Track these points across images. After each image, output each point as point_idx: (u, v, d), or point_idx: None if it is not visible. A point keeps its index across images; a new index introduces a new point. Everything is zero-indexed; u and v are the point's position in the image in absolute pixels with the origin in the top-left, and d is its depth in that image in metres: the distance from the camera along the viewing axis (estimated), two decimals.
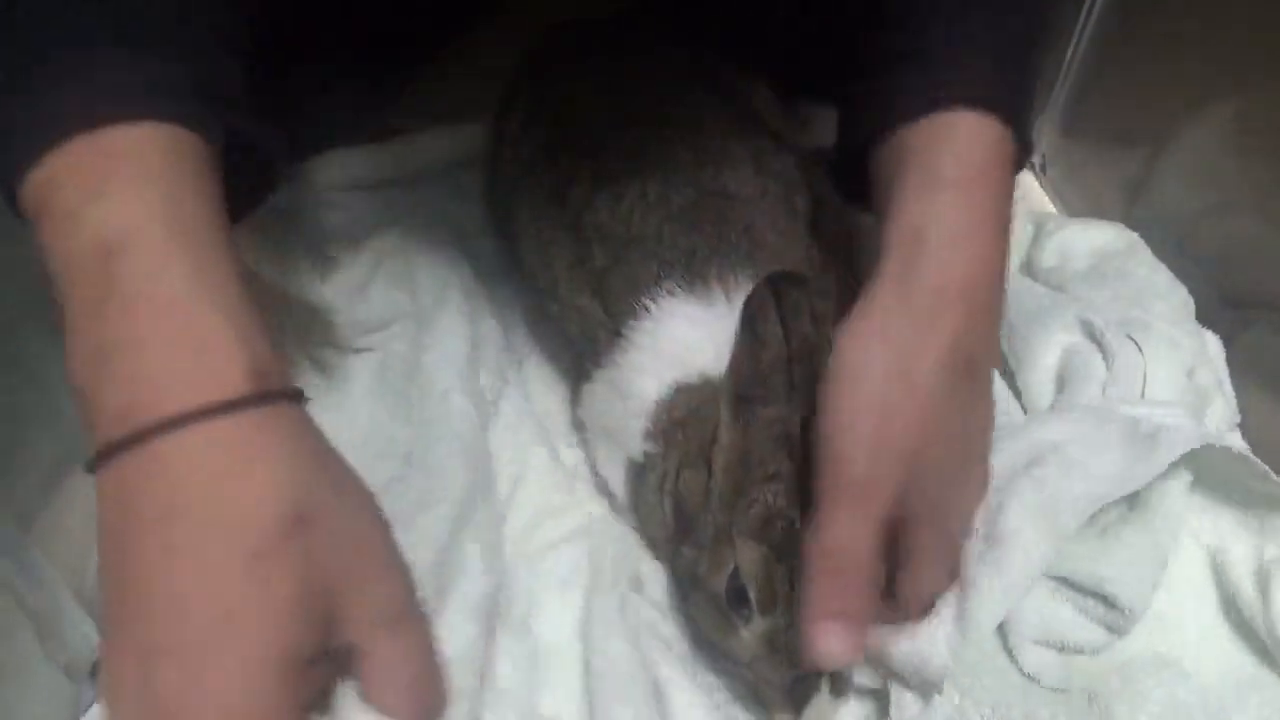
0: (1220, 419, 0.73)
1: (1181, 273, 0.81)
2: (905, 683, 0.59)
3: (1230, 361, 0.77)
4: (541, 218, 0.73)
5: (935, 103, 0.54)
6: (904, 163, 0.55)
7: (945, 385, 0.51)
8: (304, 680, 0.40)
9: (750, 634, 0.56)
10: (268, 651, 0.38)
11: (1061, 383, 0.73)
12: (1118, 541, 0.59)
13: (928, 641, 0.56)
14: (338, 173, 0.89)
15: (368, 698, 0.42)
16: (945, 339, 0.51)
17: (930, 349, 0.51)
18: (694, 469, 0.60)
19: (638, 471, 0.65)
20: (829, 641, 0.50)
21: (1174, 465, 0.59)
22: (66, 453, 0.69)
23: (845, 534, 0.50)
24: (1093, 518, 0.60)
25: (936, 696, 0.58)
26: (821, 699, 0.55)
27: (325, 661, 0.41)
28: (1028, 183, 1.06)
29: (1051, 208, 1.03)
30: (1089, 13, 0.95)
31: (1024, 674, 0.60)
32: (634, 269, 0.66)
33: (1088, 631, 0.60)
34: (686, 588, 0.61)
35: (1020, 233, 0.88)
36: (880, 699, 0.61)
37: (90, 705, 0.61)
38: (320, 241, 0.84)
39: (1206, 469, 0.62)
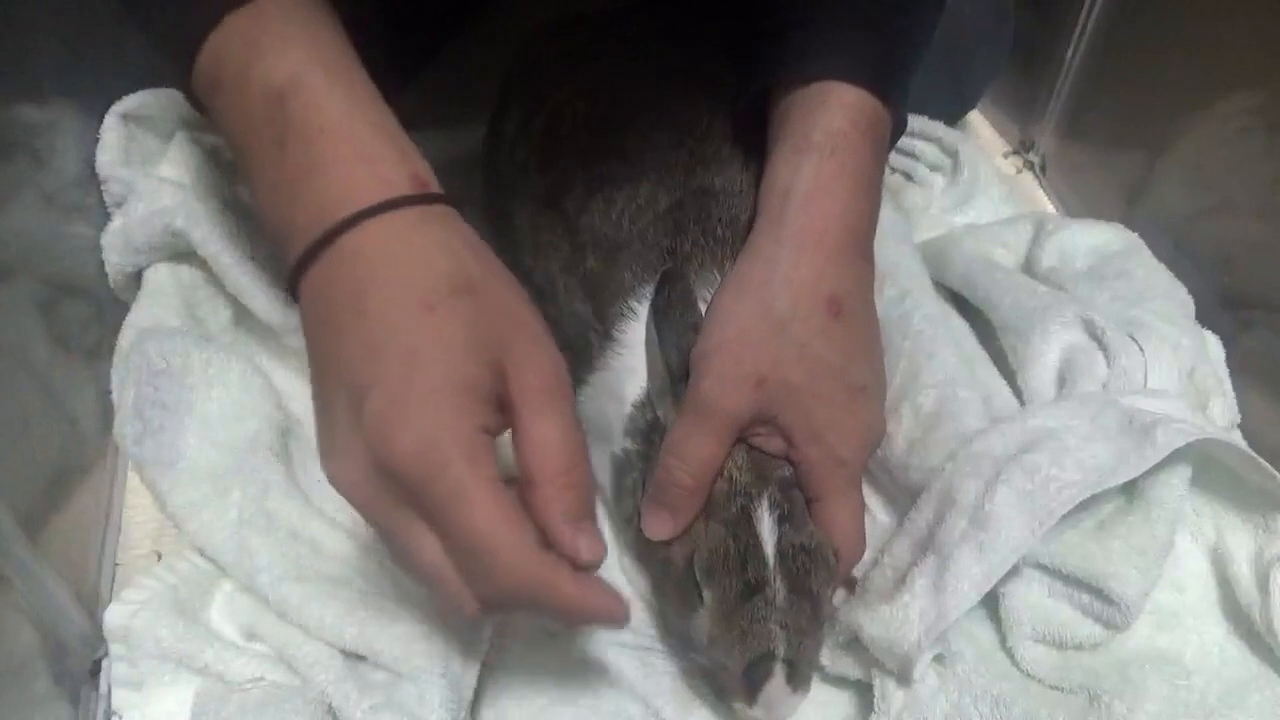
0: (1220, 418, 0.73)
1: (1181, 273, 0.81)
2: (883, 665, 0.59)
3: (1230, 361, 0.78)
4: (538, 222, 0.73)
5: (811, 74, 0.61)
6: (781, 127, 0.62)
7: (806, 321, 0.58)
8: (483, 411, 0.47)
9: (704, 612, 0.57)
10: (447, 381, 0.46)
11: (1062, 381, 0.73)
12: (1115, 536, 0.59)
13: (901, 617, 0.57)
14: None
15: (520, 458, 0.49)
16: (805, 280, 0.59)
17: (789, 289, 0.58)
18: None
19: (618, 467, 0.66)
20: (653, 522, 0.58)
21: (1173, 459, 0.58)
22: (68, 454, 0.69)
23: (686, 443, 0.58)
24: (1091, 512, 0.60)
25: (935, 694, 0.58)
26: (776, 684, 0.55)
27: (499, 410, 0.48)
28: (1028, 184, 1.07)
29: (1051, 208, 1.03)
30: (1089, 13, 0.95)
31: (1022, 671, 0.60)
32: (622, 272, 0.66)
33: (1085, 628, 0.60)
34: (657, 576, 0.63)
35: (1020, 233, 0.88)
36: (866, 694, 0.61)
37: (90, 705, 0.61)
38: None
39: (1207, 466, 0.62)
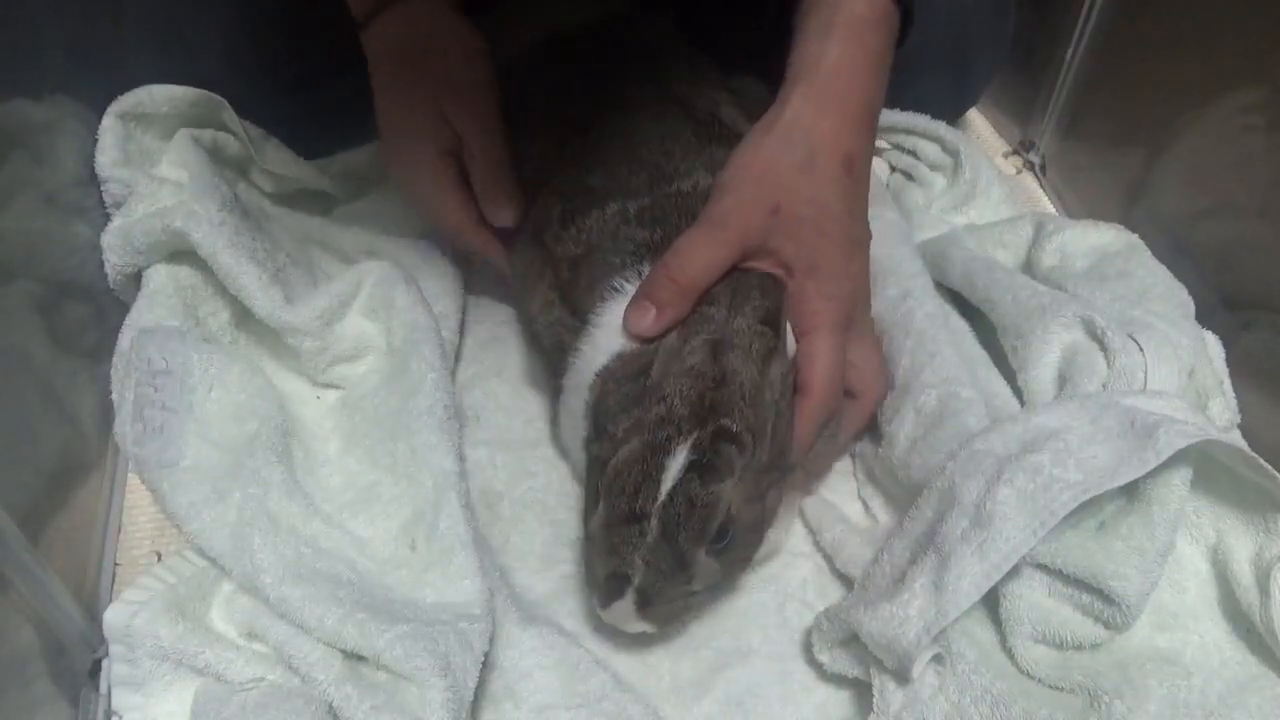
0: (1220, 418, 0.73)
1: (1181, 273, 0.81)
2: (881, 663, 0.59)
3: (1230, 362, 0.77)
4: (524, 258, 0.77)
5: None
6: (808, 12, 0.68)
7: (823, 169, 0.66)
8: (451, 162, 0.75)
9: (596, 514, 0.60)
10: (425, 141, 0.75)
11: (1063, 381, 0.73)
12: (1116, 537, 0.59)
13: (900, 615, 0.57)
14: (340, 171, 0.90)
15: (473, 181, 0.75)
16: (826, 134, 0.66)
17: (811, 138, 0.66)
18: (632, 381, 0.63)
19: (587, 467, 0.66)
20: (638, 315, 0.63)
21: (1175, 460, 0.58)
22: (68, 454, 0.69)
23: (691, 246, 0.64)
24: (1092, 512, 0.60)
25: (935, 694, 0.58)
26: (625, 603, 0.59)
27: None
28: (1028, 184, 1.07)
29: (1051, 208, 1.03)
30: (1089, 14, 0.95)
31: (1022, 671, 0.60)
32: (595, 270, 0.70)
33: (1086, 628, 0.60)
34: (584, 468, 0.66)
35: (1020, 233, 0.88)
36: (865, 693, 0.61)
37: (90, 705, 0.61)
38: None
39: (1208, 466, 0.62)
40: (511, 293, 0.85)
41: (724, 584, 0.64)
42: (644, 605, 0.59)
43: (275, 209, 0.86)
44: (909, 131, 0.98)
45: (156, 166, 0.78)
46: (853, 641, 0.63)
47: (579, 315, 0.69)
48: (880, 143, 0.99)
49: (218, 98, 0.78)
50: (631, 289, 0.66)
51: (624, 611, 0.60)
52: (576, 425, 0.69)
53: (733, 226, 0.64)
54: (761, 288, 0.64)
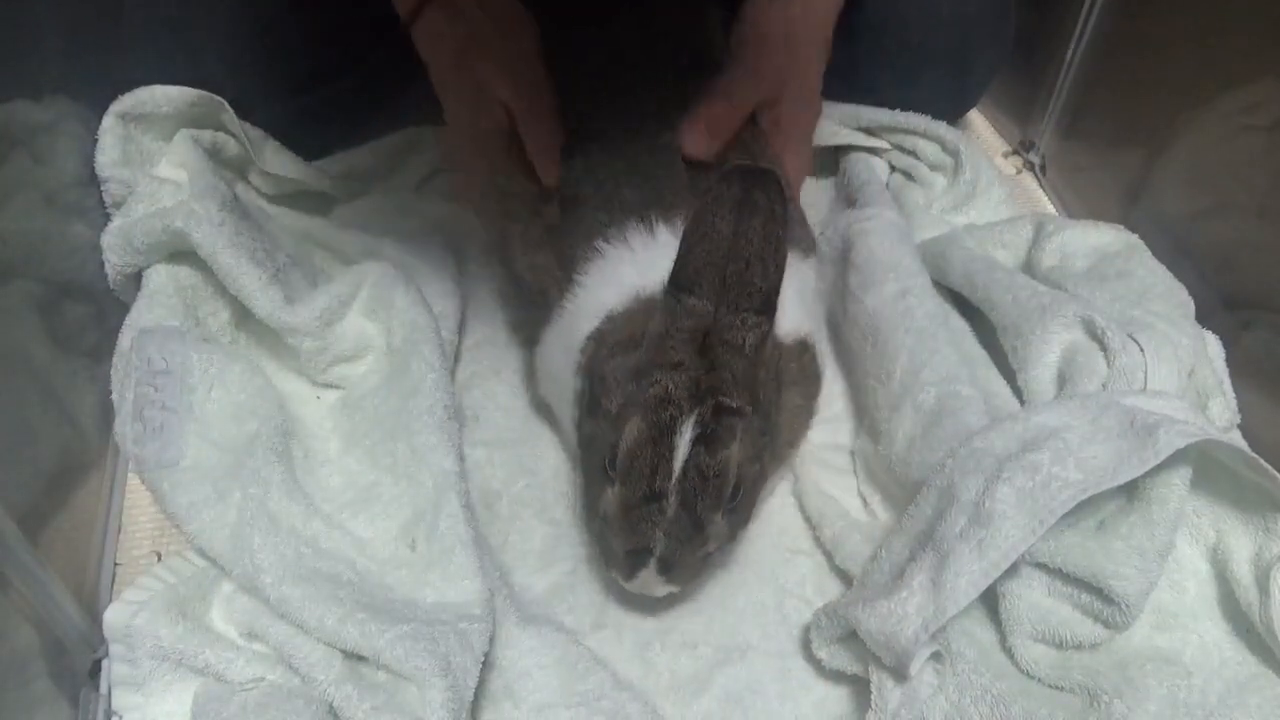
0: (1220, 418, 0.73)
1: (1181, 273, 0.81)
2: (880, 660, 0.60)
3: (1230, 362, 0.77)
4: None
5: None
6: None
7: (810, 45, 0.82)
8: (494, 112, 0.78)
9: (611, 495, 0.63)
10: (465, 94, 0.79)
11: (1063, 381, 0.73)
12: (1116, 536, 0.59)
13: (899, 612, 0.58)
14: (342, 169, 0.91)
15: (527, 148, 0.77)
16: (812, 21, 0.82)
17: (803, 21, 0.81)
18: (624, 354, 0.65)
19: (576, 422, 0.70)
20: (693, 134, 0.75)
21: (1174, 460, 0.58)
22: (68, 454, 0.69)
23: (736, 86, 0.78)
24: (1092, 512, 0.60)
25: (934, 693, 0.58)
26: (648, 572, 0.62)
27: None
28: (1028, 184, 1.07)
29: (1051, 208, 1.03)
30: (1089, 15, 0.95)
31: (1022, 670, 0.60)
32: (587, 221, 0.73)
33: (1086, 627, 0.60)
34: (582, 449, 0.68)
35: (1020, 233, 0.88)
36: (863, 692, 0.62)
37: (90, 705, 0.62)
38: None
39: (1208, 467, 0.62)
40: (490, 228, 0.89)
41: (733, 540, 0.66)
42: (666, 571, 0.63)
43: (275, 209, 0.86)
44: (909, 131, 0.98)
45: (156, 167, 0.78)
46: (851, 638, 0.63)
47: (564, 268, 0.72)
48: (880, 143, 0.99)
49: (217, 98, 0.78)
50: (614, 251, 0.70)
51: (648, 579, 0.63)
52: (564, 383, 0.71)
53: (761, 80, 0.79)
54: (763, 263, 0.62)
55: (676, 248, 0.63)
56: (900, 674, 0.59)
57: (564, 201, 0.76)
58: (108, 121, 0.75)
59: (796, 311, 0.71)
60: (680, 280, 0.62)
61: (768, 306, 0.63)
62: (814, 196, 1.01)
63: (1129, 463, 0.57)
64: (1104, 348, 0.71)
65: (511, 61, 0.78)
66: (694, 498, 0.60)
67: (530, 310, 0.78)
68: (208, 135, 0.80)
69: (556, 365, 0.72)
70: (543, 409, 0.80)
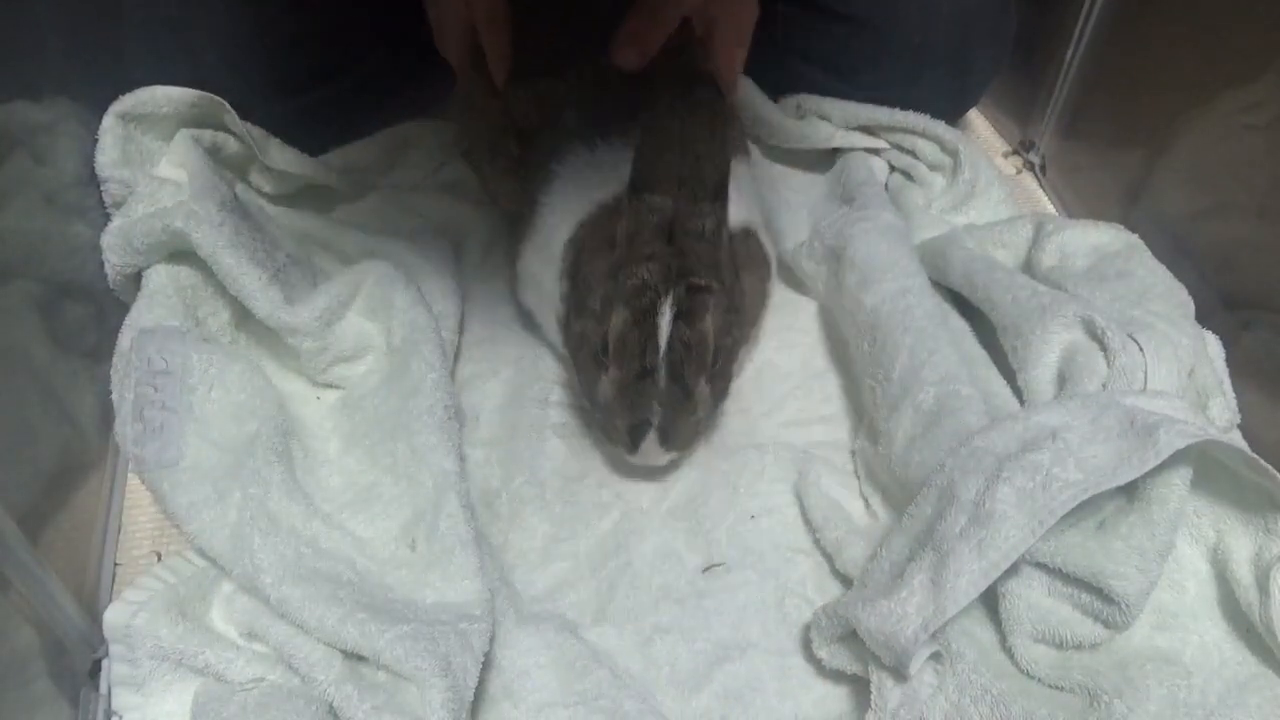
0: (1220, 418, 0.73)
1: (1181, 273, 0.81)
2: (880, 660, 0.60)
3: (1230, 361, 0.77)
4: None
5: None
6: None
7: None
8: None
9: (606, 380, 0.70)
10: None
11: (1063, 381, 0.73)
12: (1116, 536, 0.59)
13: (899, 611, 0.58)
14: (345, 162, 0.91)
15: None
16: None
17: None
18: (598, 252, 0.73)
19: (561, 320, 0.77)
20: (621, 49, 0.77)
21: (1175, 460, 0.58)
22: (68, 454, 0.69)
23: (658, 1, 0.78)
24: (1092, 511, 0.60)
25: (934, 693, 0.58)
26: (650, 442, 0.70)
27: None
28: (1028, 184, 1.07)
29: (1051, 208, 1.03)
30: (1089, 15, 0.95)
31: (1022, 670, 0.60)
32: (542, 149, 0.81)
33: (1086, 627, 0.60)
34: (573, 349, 0.75)
35: (1020, 233, 0.88)
36: (863, 691, 0.62)
37: (90, 705, 0.62)
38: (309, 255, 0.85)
39: (1208, 467, 0.62)
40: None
41: (717, 406, 0.75)
42: (665, 440, 0.71)
43: (275, 209, 0.86)
44: (908, 131, 0.98)
45: (156, 167, 0.78)
46: (851, 637, 0.63)
47: (530, 191, 0.80)
48: (879, 142, 0.99)
49: (218, 99, 0.78)
50: (567, 171, 0.78)
51: (650, 449, 0.71)
52: (547, 288, 0.78)
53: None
54: (711, 157, 0.69)
55: (622, 160, 0.71)
56: (900, 673, 0.59)
57: (520, 136, 0.85)
58: (107, 121, 0.75)
59: (738, 204, 0.76)
60: (640, 183, 0.69)
61: (720, 195, 0.70)
62: (808, 189, 1.01)
63: (1129, 463, 0.57)
64: (1104, 347, 0.71)
65: None
66: (681, 367, 0.68)
67: (510, 226, 0.87)
68: (208, 135, 0.80)
69: (538, 273, 0.80)
70: (525, 317, 0.87)
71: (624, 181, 0.70)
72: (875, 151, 1.00)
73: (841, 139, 0.99)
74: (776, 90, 1.01)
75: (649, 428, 0.70)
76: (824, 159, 1.02)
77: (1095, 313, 0.73)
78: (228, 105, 0.79)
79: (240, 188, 0.83)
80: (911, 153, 0.99)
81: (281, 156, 0.84)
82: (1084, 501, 0.57)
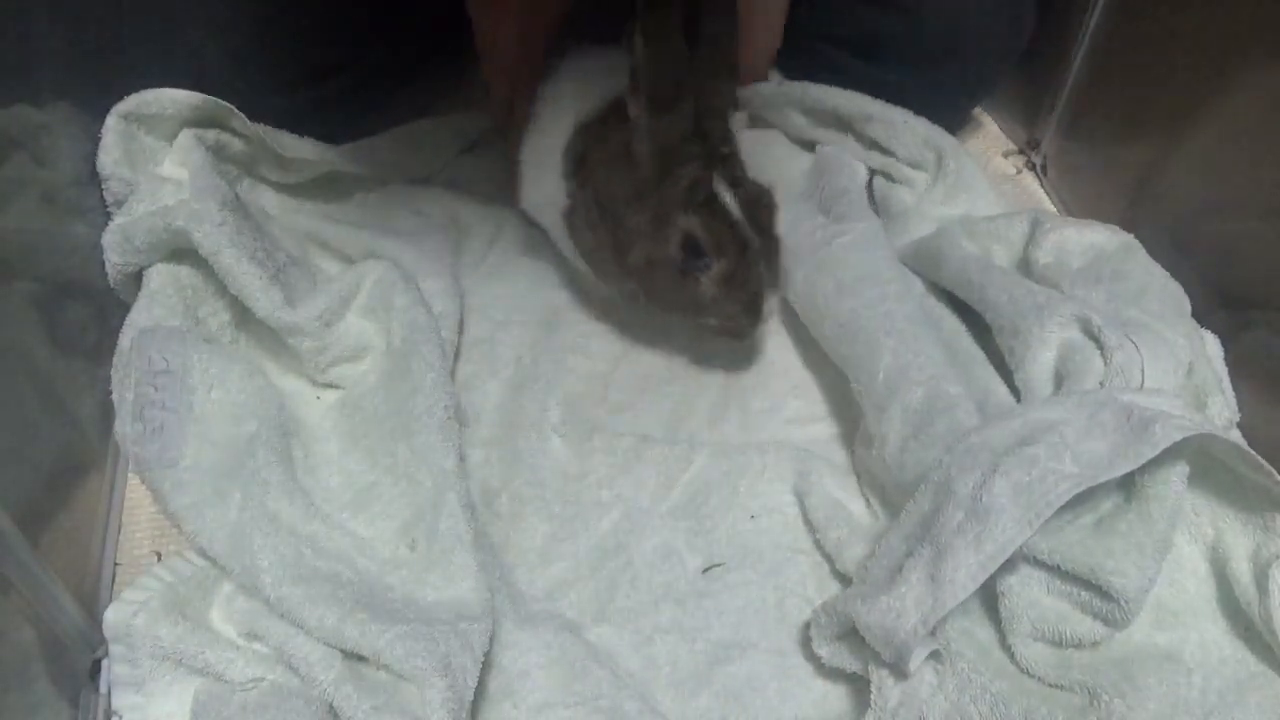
0: (1219, 417, 0.73)
1: (1182, 273, 0.81)
2: (880, 657, 0.60)
3: (1230, 361, 0.77)
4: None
5: None
6: None
7: None
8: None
9: (709, 280, 0.73)
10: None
11: (1059, 379, 0.73)
12: (1115, 533, 0.59)
13: (897, 606, 0.58)
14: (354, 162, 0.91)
15: None
16: None
17: None
18: (614, 169, 0.74)
19: (567, 215, 0.79)
20: None
21: (1172, 456, 0.58)
22: (68, 454, 0.69)
23: None
24: (1090, 508, 0.60)
25: (934, 692, 0.58)
26: (770, 303, 0.75)
27: None
28: (1028, 183, 1.06)
29: (1052, 208, 1.03)
30: (1090, 15, 0.95)
31: (1022, 669, 0.60)
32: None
33: (1085, 625, 0.60)
34: (642, 276, 0.76)
35: (1016, 230, 0.87)
36: (863, 690, 0.62)
37: (90, 705, 0.61)
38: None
39: (1206, 464, 0.62)
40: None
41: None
42: (771, 281, 0.75)
43: (279, 208, 0.86)
44: (886, 123, 0.94)
45: (160, 166, 0.78)
46: (851, 636, 0.63)
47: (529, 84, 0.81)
48: (846, 139, 0.97)
49: (224, 103, 0.78)
50: (569, 66, 0.79)
51: (771, 303, 0.75)
52: (548, 187, 0.79)
53: None
54: (729, 36, 0.77)
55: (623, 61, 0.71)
56: (899, 670, 0.59)
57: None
58: (111, 121, 0.75)
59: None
60: (661, 93, 0.70)
61: (735, 71, 0.78)
62: (790, 162, 0.99)
63: (1125, 456, 0.58)
64: (1101, 346, 0.71)
65: None
66: (761, 220, 0.73)
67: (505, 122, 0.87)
68: (211, 135, 0.80)
69: (536, 175, 0.81)
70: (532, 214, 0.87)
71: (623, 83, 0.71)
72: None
73: (813, 134, 0.97)
74: (795, 69, 0.99)
75: (759, 288, 0.73)
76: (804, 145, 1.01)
77: (1092, 312, 0.73)
78: (235, 110, 0.79)
79: (245, 185, 0.83)
80: (888, 151, 0.95)
81: (296, 145, 0.84)
82: (1081, 498, 0.57)
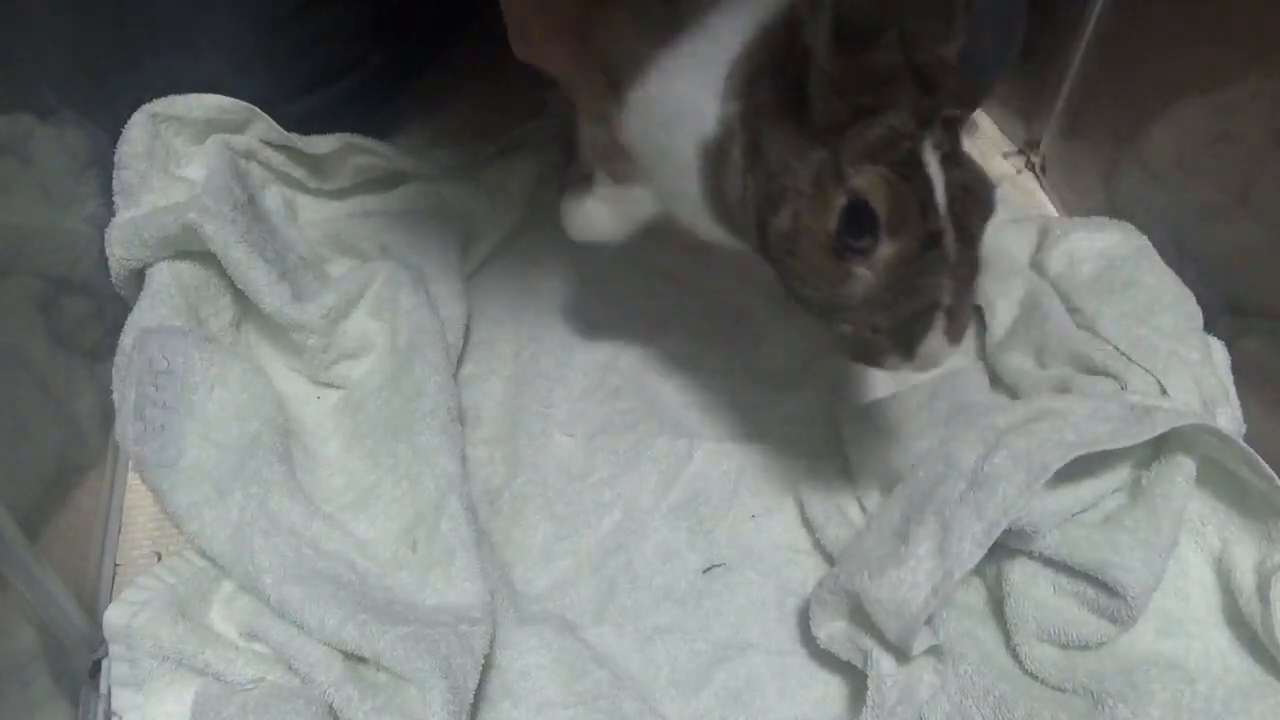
0: (1227, 427, 0.73)
1: (1183, 276, 0.81)
2: (881, 640, 0.60)
3: (1232, 368, 0.77)
4: None
5: None
6: None
7: None
8: None
9: (868, 269, 0.51)
10: None
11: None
12: (1121, 529, 0.60)
13: (908, 579, 0.58)
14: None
15: None
16: None
17: None
18: (784, 107, 0.52)
19: (710, 147, 0.56)
20: None
21: (1177, 452, 0.59)
22: (68, 454, 0.69)
23: None
24: (1096, 505, 0.60)
25: (936, 694, 0.58)
26: (936, 337, 0.51)
27: None
28: (1028, 184, 1.06)
29: (1051, 208, 1.03)
30: (1089, 15, 0.95)
31: (1026, 671, 0.60)
32: None
33: (1091, 625, 0.60)
34: (783, 249, 0.54)
35: (1025, 237, 0.88)
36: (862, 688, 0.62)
37: (90, 705, 0.61)
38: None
39: (1214, 472, 0.63)
40: None
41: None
42: (950, 326, 0.52)
43: (306, 210, 0.86)
44: None
45: (183, 169, 0.78)
46: (852, 617, 0.63)
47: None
48: None
49: (253, 107, 0.78)
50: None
51: (937, 343, 0.52)
52: (692, 113, 0.56)
53: None
54: None
55: None
56: (903, 649, 0.59)
57: None
58: (138, 117, 0.75)
59: None
60: (856, 23, 0.47)
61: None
62: None
63: (1125, 435, 0.59)
64: (1115, 376, 0.72)
65: None
66: (968, 218, 0.51)
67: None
68: (242, 140, 0.80)
69: (674, 81, 0.57)
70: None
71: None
72: None
73: None
74: None
75: (934, 313, 0.51)
76: None
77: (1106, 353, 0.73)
78: (262, 113, 0.79)
79: (273, 191, 0.83)
80: None
81: (324, 141, 0.83)
82: (1088, 495, 0.58)
